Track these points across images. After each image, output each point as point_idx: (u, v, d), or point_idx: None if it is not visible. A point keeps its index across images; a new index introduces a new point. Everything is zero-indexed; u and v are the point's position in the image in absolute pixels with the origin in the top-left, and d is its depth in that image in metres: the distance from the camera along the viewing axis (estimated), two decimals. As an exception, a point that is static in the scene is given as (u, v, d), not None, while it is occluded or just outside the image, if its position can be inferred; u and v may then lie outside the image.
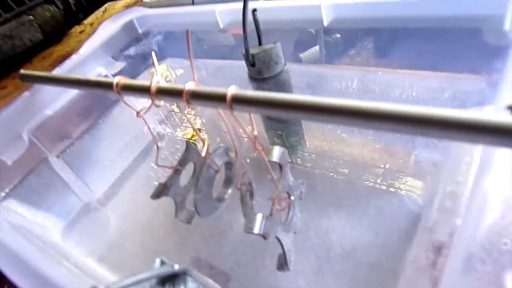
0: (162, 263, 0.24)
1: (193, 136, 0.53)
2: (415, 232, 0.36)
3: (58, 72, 0.46)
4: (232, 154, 0.38)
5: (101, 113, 0.53)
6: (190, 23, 0.48)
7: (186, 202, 0.40)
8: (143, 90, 0.24)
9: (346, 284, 0.34)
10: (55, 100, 0.46)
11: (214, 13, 0.45)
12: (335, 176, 0.43)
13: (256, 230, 0.27)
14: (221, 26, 0.44)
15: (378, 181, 0.41)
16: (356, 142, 0.46)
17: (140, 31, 0.54)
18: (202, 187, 0.34)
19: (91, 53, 0.49)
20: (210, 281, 0.25)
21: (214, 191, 0.38)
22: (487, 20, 0.29)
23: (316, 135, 0.47)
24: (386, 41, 0.61)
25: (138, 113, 0.29)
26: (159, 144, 0.32)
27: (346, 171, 0.43)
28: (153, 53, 0.27)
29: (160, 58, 0.59)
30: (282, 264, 0.32)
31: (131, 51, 0.56)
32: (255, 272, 0.37)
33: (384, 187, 0.40)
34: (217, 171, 0.35)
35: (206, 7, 0.46)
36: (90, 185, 0.51)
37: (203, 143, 0.31)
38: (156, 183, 0.37)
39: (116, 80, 0.26)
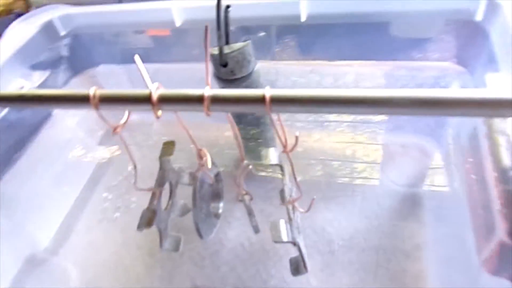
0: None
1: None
2: (404, 208, 0.37)
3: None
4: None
5: (23, 139, 0.44)
6: (124, 23, 0.43)
7: (169, 227, 0.35)
8: (142, 100, 0.20)
9: (357, 273, 0.34)
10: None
11: (168, 10, 0.40)
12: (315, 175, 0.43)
13: (285, 238, 0.25)
14: (177, 25, 0.40)
15: (355, 175, 0.42)
16: (325, 136, 0.46)
17: (62, 33, 0.46)
18: (201, 205, 0.30)
19: (4, 63, 0.40)
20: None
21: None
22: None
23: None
24: (307, 37, 0.64)
25: (115, 129, 0.24)
26: (136, 165, 0.27)
27: (320, 173, 0.43)
28: (136, 57, 0.23)
29: (90, 65, 0.51)
30: (298, 267, 0.31)
31: (52, 57, 0.47)
32: (263, 284, 0.35)
33: (361, 180, 0.41)
34: (211, 185, 0.32)
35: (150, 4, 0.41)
36: (32, 232, 0.42)
37: (200, 156, 0.28)
38: (118, 214, 0.32)
39: (92, 92, 0.21)
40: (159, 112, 0.20)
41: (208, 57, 0.21)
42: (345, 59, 0.44)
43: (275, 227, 0.25)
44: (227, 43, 0.36)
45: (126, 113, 0.24)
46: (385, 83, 0.42)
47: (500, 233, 0.22)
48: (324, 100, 0.18)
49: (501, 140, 0.24)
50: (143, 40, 0.60)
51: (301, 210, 0.27)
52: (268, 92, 0.18)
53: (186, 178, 0.35)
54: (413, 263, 0.34)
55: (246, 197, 0.30)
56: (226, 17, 0.32)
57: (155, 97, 0.19)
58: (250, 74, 0.36)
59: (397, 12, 0.34)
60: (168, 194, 0.35)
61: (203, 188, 0.31)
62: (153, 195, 0.33)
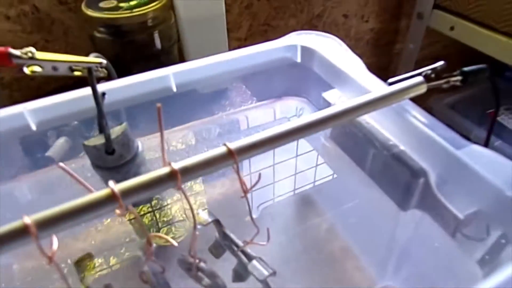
0: None
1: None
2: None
3: None
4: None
5: None
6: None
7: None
8: (102, 203, 0.18)
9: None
10: None
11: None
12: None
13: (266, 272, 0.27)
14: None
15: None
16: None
17: None
18: None
19: None
20: None
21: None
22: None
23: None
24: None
25: (50, 259, 0.19)
26: None
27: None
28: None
29: None
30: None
31: None
32: None
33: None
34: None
35: None
36: None
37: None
38: None
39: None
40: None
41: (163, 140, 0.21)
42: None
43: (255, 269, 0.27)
44: (100, 131, 0.36)
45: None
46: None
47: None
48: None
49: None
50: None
51: (262, 243, 0.28)
52: (176, 165, 0.19)
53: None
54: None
55: (202, 264, 0.30)
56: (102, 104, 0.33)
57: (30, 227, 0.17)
58: (136, 154, 0.37)
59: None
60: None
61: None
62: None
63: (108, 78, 0.37)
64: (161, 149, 0.22)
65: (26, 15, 0.62)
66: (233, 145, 0.20)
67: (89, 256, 0.28)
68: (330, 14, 0.90)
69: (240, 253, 0.33)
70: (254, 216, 0.35)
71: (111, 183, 0.19)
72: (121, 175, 0.35)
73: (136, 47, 0.62)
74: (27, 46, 0.66)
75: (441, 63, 0.31)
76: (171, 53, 0.67)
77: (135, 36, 0.61)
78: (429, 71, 0.30)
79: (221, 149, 0.20)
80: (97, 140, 0.33)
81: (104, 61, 0.31)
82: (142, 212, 0.43)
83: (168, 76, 0.36)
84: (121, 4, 0.60)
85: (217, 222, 0.33)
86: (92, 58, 0.31)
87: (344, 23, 0.93)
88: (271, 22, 0.85)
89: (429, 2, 0.89)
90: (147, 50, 0.63)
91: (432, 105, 1.01)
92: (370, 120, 0.32)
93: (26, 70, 0.30)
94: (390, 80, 0.30)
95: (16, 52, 0.29)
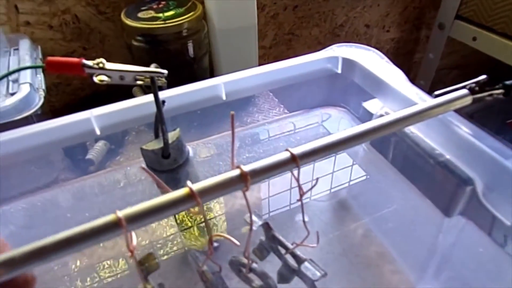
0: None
1: None
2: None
3: None
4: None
5: None
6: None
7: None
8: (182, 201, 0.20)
9: None
10: None
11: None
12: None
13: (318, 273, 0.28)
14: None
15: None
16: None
17: None
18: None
19: None
20: None
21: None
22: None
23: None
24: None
25: (132, 252, 0.21)
26: None
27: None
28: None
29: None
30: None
31: None
32: None
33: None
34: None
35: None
36: None
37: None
38: None
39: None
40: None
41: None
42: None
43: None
44: (156, 136, 0.38)
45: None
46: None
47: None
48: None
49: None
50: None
51: (312, 245, 0.30)
52: (245, 168, 0.20)
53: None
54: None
55: (254, 265, 0.31)
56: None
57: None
58: (188, 158, 0.39)
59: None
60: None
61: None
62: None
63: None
64: (231, 152, 0.23)
65: (67, 24, 0.65)
66: (296, 150, 0.22)
67: (151, 256, 0.29)
68: (353, 24, 0.92)
69: (287, 256, 0.34)
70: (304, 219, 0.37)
71: (189, 183, 0.20)
72: (174, 178, 0.37)
73: (171, 55, 0.65)
74: (67, 52, 0.69)
75: (483, 77, 0.33)
76: (203, 61, 0.69)
77: (170, 45, 0.63)
78: (473, 84, 0.32)
79: (285, 154, 0.22)
80: (154, 145, 0.35)
81: (165, 72, 0.33)
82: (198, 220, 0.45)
83: (219, 85, 0.38)
84: (158, 15, 0.62)
85: (266, 225, 0.35)
86: (154, 68, 0.33)
87: (365, 32, 0.95)
88: (295, 31, 0.87)
89: (451, 13, 0.90)
90: (180, 58, 0.66)
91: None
92: (414, 129, 0.34)
93: (95, 79, 0.32)
94: (436, 92, 0.31)
95: (89, 62, 0.31)
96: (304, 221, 0.29)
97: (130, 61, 0.69)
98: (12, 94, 0.50)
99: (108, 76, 0.32)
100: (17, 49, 0.59)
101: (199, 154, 0.40)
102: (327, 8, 0.86)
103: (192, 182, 0.30)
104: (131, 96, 0.42)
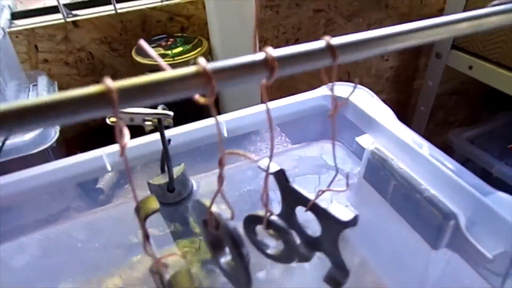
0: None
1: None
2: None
3: None
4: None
5: None
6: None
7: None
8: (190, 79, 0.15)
9: None
10: None
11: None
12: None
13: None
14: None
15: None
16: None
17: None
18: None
19: None
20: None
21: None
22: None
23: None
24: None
25: (122, 149, 0.16)
26: None
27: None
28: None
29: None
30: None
31: None
32: None
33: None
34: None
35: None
36: None
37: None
38: None
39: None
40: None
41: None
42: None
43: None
44: (162, 171, 0.41)
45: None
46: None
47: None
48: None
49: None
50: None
51: (341, 189, 0.27)
52: (272, 52, 0.16)
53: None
54: None
55: (273, 217, 0.26)
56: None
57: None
58: (192, 192, 0.41)
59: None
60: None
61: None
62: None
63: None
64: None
65: (82, 61, 0.70)
66: (334, 41, 0.17)
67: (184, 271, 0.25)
68: (352, 54, 0.96)
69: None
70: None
71: (201, 59, 0.15)
72: (179, 210, 0.40)
73: (178, 89, 0.69)
74: (81, 86, 0.74)
75: None
76: (208, 93, 0.73)
77: (177, 79, 0.67)
78: None
79: (320, 43, 0.17)
80: (160, 179, 0.38)
81: (171, 113, 0.37)
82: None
83: (220, 123, 0.42)
84: (167, 52, 0.67)
85: (281, 173, 0.28)
86: (161, 110, 0.37)
87: (365, 62, 0.99)
88: (297, 62, 0.91)
89: (447, 43, 0.94)
90: (187, 91, 0.70)
91: (452, 139, 1.04)
92: (402, 165, 0.36)
93: (108, 121, 0.36)
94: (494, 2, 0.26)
95: (102, 107, 0.35)
96: (334, 155, 0.25)
97: (140, 94, 0.73)
98: (30, 129, 0.54)
99: (120, 118, 0.36)
100: (36, 85, 0.64)
101: (202, 187, 0.42)
102: (327, 41, 0.90)
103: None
104: (136, 128, 0.45)
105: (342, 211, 0.26)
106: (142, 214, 0.24)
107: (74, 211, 0.48)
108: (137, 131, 0.39)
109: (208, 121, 0.42)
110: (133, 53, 0.66)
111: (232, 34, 0.66)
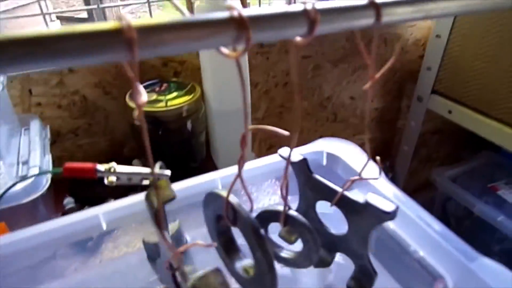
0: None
1: None
2: None
3: None
4: None
5: None
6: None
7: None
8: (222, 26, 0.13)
9: None
10: None
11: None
12: None
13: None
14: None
15: None
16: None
17: None
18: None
19: None
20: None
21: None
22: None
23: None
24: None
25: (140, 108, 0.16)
26: None
27: None
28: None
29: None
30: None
31: None
32: None
33: None
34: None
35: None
36: None
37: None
38: None
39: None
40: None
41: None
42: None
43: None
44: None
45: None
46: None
47: None
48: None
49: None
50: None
51: (374, 177, 0.26)
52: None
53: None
54: None
55: (291, 212, 0.24)
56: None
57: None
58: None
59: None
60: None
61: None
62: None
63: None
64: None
65: (75, 104, 0.70)
66: None
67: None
68: (338, 97, 1.00)
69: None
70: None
71: (236, 2, 0.14)
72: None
73: (170, 133, 0.70)
74: (72, 128, 0.73)
75: None
76: (200, 137, 0.75)
77: (170, 125, 0.68)
78: None
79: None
80: (155, 236, 0.39)
81: (169, 173, 0.38)
82: None
83: (215, 179, 0.43)
84: (160, 97, 0.68)
85: (303, 163, 0.26)
86: (159, 170, 0.37)
87: (350, 104, 1.03)
88: (286, 104, 0.94)
89: (428, 87, 0.99)
90: (179, 135, 0.71)
91: (435, 177, 1.07)
92: (394, 226, 0.38)
93: (106, 181, 0.36)
94: None
95: (101, 168, 0.36)
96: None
97: (131, 137, 0.74)
98: (22, 177, 0.53)
99: (118, 178, 0.36)
100: (28, 129, 0.64)
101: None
102: (314, 84, 0.94)
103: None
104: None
105: (382, 202, 0.24)
106: (159, 200, 0.22)
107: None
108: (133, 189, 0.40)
109: (202, 178, 0.43)
110: (127, 98, 0.68)
111: (225, 80, 0.68)
